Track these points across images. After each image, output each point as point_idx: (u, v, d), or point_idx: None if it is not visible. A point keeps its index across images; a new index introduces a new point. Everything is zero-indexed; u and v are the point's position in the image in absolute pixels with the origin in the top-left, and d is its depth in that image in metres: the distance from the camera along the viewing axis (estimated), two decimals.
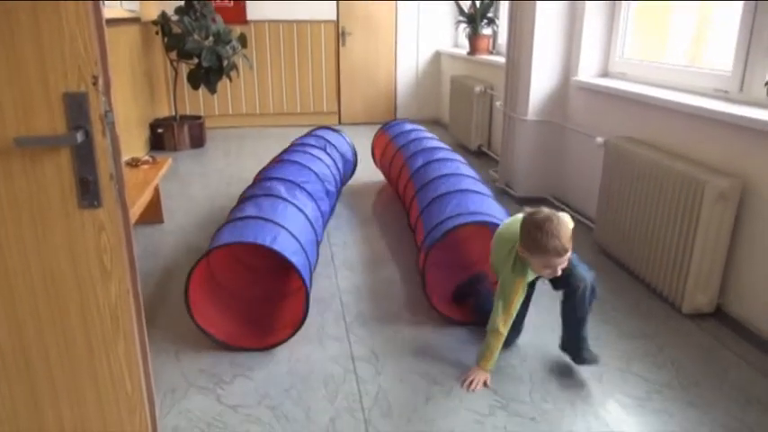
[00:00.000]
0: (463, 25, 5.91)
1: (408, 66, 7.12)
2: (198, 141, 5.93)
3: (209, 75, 5.59)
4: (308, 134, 4.15)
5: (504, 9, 5.48)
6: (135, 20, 5.21)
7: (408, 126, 4.38)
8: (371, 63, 7.04)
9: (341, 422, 1.94)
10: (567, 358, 2.19)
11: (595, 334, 2.36)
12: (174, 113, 5.98)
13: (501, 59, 4.80)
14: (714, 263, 2.48)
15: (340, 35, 6.86)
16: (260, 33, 6.66)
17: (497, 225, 2.52)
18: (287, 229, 2.48)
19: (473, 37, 5.72)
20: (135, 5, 5.17)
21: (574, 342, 2.15)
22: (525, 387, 2.12)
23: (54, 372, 1.36)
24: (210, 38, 5.48)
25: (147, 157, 3.66)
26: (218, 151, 5.81)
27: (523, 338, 2.37)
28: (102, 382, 1.39)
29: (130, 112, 5.08)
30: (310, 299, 2.35)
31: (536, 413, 1.99)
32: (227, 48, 5.54)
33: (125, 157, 3.47)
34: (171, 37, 5.49)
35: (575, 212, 3.64)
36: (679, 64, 3.20)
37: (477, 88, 5.30)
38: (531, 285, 2.18)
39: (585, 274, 2.03)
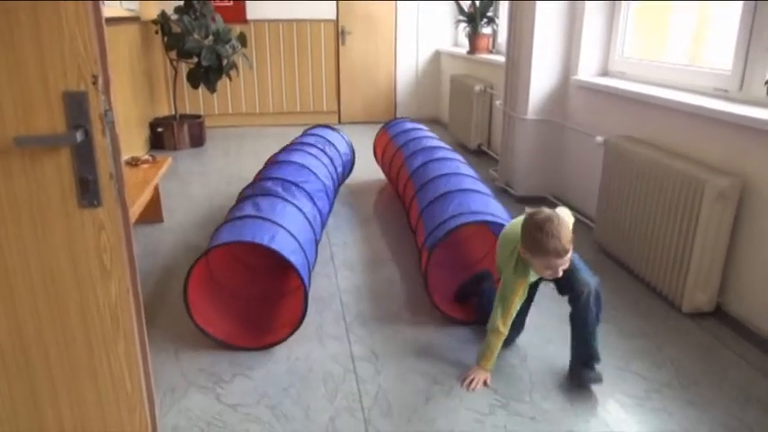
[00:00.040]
0: (463, 24, 5.91)
1: (408, 65, 7.12)
2: (198, 140, 5.93)
3: (208, 74, 5.59)
4: (306, 133, 4.16)
5: (503, 8, 5.47)
6: (135, 19, 5.20)
7: (409, 125, 4.38)
8: (371, 62, 7.04)
9: (340, 421, 1.94)
10: (566, 358, 2.18)
11: None
12: (173, 113, 5.98)
13: (501, 58, 4.80)
14: (714, 262, 2.48)
15: (340, 34, 6.86)
16: (260, 33, 6.66)
17: (499, 224, 2.52)
18: (285, 228, 2.48)
19: (473, 36, 5.72)
20: (134, 5, 5.17)
21: (581, 355, 2.11)
22: (525, 386, 2.12)
23: (54, 371, 1.36)
24: (210, 37, 5.48)
25: (146, 157, 3.66)
26: (217, 150, 5.81)
27: (523, 338, 2.37)
28: (102, 381, 1.39)
29: (130, 111, 5.08)
30: (310, 298, 2.35)
31: (536, 412, 1.99)
32: (227, 47, 5.54)
33: (125, 157, 3.47)
34: (171, 36, 5.49)
35: (574, 212, 3.64)
36: (679, 63, 3.19)
37: (477, 87, 5.29)
38: (534, 286, 2.18)
39: (589, 279, 2.01)
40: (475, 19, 5.66)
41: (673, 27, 3.49)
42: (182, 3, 5.52)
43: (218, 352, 2.31)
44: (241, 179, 4.38)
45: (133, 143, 5.08)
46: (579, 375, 2.07)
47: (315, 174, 3.30)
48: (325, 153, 3.80)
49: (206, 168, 5.15)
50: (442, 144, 3.85)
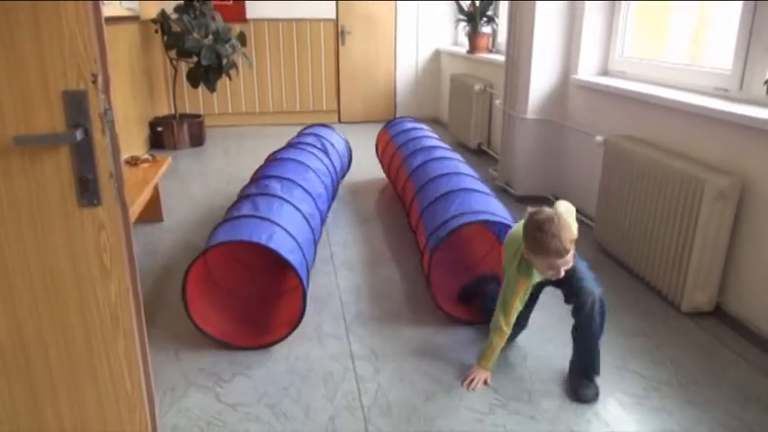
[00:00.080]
0: (463, 24, 5.91)
1: (408, 64, 7.12)
2: (197, 140, 5.93)
3: (208, 73, 5.58)
4: (303, 132, 4.15)
5: (503, 7, 5.47)
6: (134, 18, 5.20)
7: (409, 124, 4.38)
8: (371, 62, 7.04)
9: (340, 420, 1.94)
10: (566, 358, 2.18)
11: None
12: (173, 112, 5.98)
13: (500, 58, 4.79)
14: (713, 261, 2.48)
15: (339, 34, 6.86)
16: (259, 32, 6.65)
17: (501, 224, 2.52)
18: (283, 227, 2.47)
19: (473, 35, 5.71)
20: (134, 4, 5.16)
21: (581, 365, 2.10)
22: (525, 386, 2.12)
23: (54, 371, 1.36)
24: (210, 36, 5.47)
25: (146, 156, 3.66)
26: (217, 150, 5.81)
27: (523, 337, 2.37)
28: (102, 380, 1.39)
29: (130, 110, 5.08)
30: (309, 298, 2.35)
31: (535, 412, 1.99)
32: (227, 46, 5.53)
33: (124, 156, 3.47)
34: (170, 35, 5.49)
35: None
36: (679, 62, 3.19)
37: (477, 87, 5.29)
38: (539, 288, 2.18)
39: (593, 289, 2.00)
40: (475, 18, 5.66)
41: (672, 27, 3.49)
42: (181, 2, 5.51)
43: (217, 351, 2.31)
44: (240, 178, 4.38)
45: (133, 142, 5.08)
46: (576, 391, 2.06)
47: (314, 172, 3.30)
48: (324, 151, 3.80)
49: (206, 168, 5.15)
50: (441, 144, 3.85)
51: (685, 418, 1.95)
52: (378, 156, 4.62)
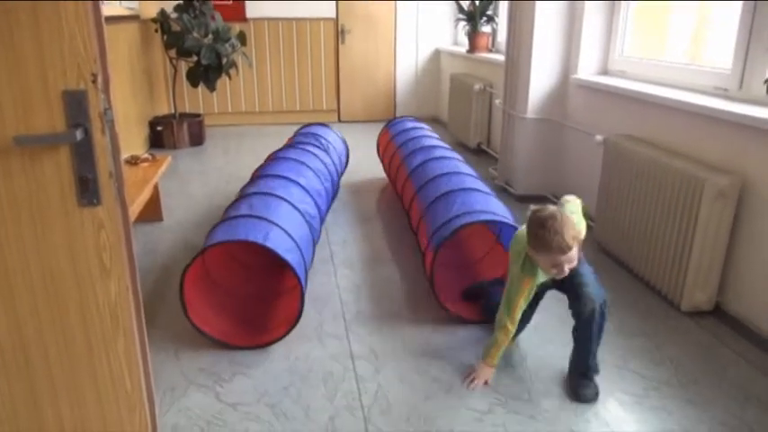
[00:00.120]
0: (462, 23, 5.91)
1: (408, 64, 7.12)
2: (197, 139, 5.93)
3: (208, 73, 5.58)
4: (300, 132, 4.15)
5: (503, 7, 5.47)
6: (134, 17, 5.20)
7: (410, 124, 4.38)
8: (371, 61, 7.04)
9: (340, 420, 1.94)
10: (566, 358, 2.18)
11: None
12: (173, 111, 5.98)
13: (500, 57, 4.79)
14: (713, 260, 2.49)
15: (339, 33, 6.85)
16: (259, 31, 6.65)
17: (503, 224, 2.52)
18: (280, 226, 2.47)
19: (472, 35, 5.71)
20: (134, 3, 5.16)
21: (580, 367, 2.10)
22: (525, 385, 2.12)
23: (54, 370, 1.36)
24: (210, 36, 5.47)
25: (146, 155, 3.66)
26: (217, 149, 5.81)
27: (523, 337, 2.37)
28: (102, 380, 1.39)
29: (130, 109, 5.07)
30: (307, 297, 2.35)
31: (535, 411, 1.99)
32: (227, 45, 5.53)
33: (124, 155, 3.47)
34: (170, 35, 5.49)
35: None
36: (679, 62, 3.19)
37: (477, 86, 5.29)
38: (543, 290, 2.18)
39: (596, 295, 2.00)
40: (474, 17, 5.65)
41: (672, 27, 3.49)
42: (181, 1, 5.51)
43: (217, 351, 2.31)
44: (240, 178, 4.37)
45: (133, 142, 5.08)
46: (576, 391, 2.06)
47: (313, 171, 3.30)
48: (324, 150, 3.80)
49: (205, 167, 5.15)
50: (441, 143, 3.85)
51: (685, 417, 1.95)
52: (379, 155, 4.62)
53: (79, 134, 1.17)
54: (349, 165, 4.48)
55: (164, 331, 2.45)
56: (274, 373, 2.19)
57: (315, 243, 2.85)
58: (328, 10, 6.74)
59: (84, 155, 1.20)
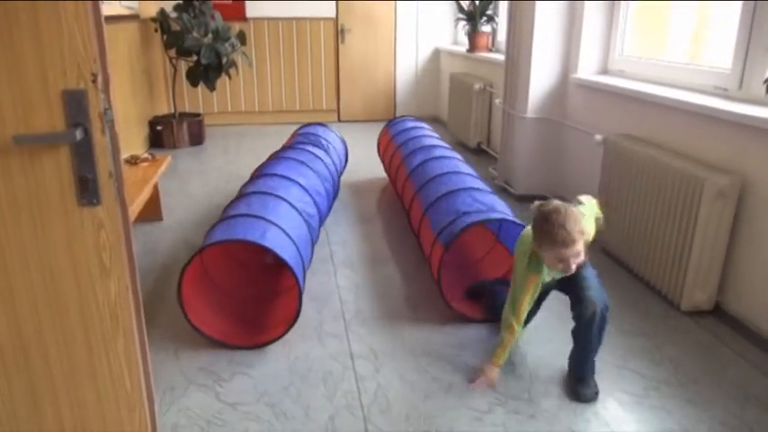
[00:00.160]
0: (462, 22, 5.91)
1: (408, 63, 7.11)
2: (197, 139, 5.93)
3: (208, 72, 5.58)
4: (300, 132, 4.15)
5: (503, 6, 5.47)
6: (134, 17, 5.19)
7: (410, 123, 4.38)
8: (371, 61, 7.04)
9: (340, 420, 1.94)
10: (565, 357, 2.18)
11: None
12: (173, 111, 5.98)
13: (500, 57, 4.79)
14: (713, 260, 2.49)
15: (339, 33, 6.85)
16: (259, 31, 6.65)
17: (503, 224, 2.51)
18: (278, 225, 2.47)
19: (472, 34, 5.71)
20: (134, 3, 5.15)
21: (579, 368, 2.11)
22: (524, 385, 2.13)
23: (53, 370, 1.36)
24: (209, 35, 5.47)
25: (146, 155, 3.66)
26: (217, 149, 5.81)
27: (523, 337, 2.37)
28: (102, 380, 1.39)
29: (129, 109, 5.07)
30: (307, 296, 2.35)
31: (535, 411, 1.99)
32: (227, 45, 5.53)
33: (124, 155, 3.47)
34: (170, 34, 5.49)
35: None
36: (678, 61, 3.19)
37: (477, 86, 5.29)
38: (547, 291, 2.18)
39: (598, 299, 2.00)
40: (474, 17, 5.65)
41: (672, 26, 3.49)
42: (181, 1, 5.51)
43: (217, 350, 2.31)
44: (240, 177, 4.37)
45: (132, 141, 5.08)
46: (575, 390, 2.06)
47: (312, 170, 3.29)
48: (324, 150, 3.80)
49: (205, 167, 5.15)
50: (441, 143, 3.85)
51: (685, 417, 1.95)
52: (379, 155, 4.63)
53: (79, 134, 1.17)
54: (349, 165, 4.48)
55: (163, 331, 2.45)
56: (274, 372, 2.19)
57: (314, 242, 2.85)
58: (328, 10, 6.74)
59: (83, 154, 1.20)
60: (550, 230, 1.84)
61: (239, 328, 2.45)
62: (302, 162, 3.32)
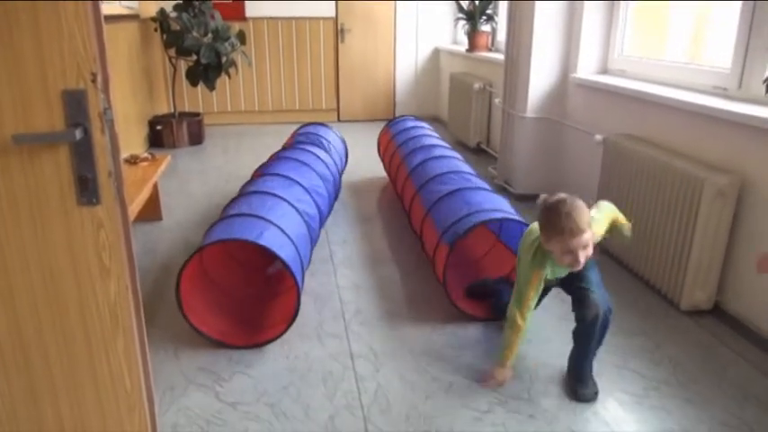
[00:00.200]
0: (462, 22, 5.91)
1: (407, 63, 7.11)
2: (197, 138, 5.93)
3: (207, 72, 5.58)
4: (300, 132, 4.15)
5: (503, 6, 5.47)
6: (134, 17, 5.19)
7: (410, 123, 4.38)
8: (370, 60, 7.04)
9: (340, 420, 1.94)
10: (565, 357, 2.18)
11: None
12: (172, 110, 5.98)
13: (500, 56, 4.79)
14: (712, 260, 2.49)
15: (339, 32, 6.85)
16: (259, 30, 6.65)
17: (504, 223, 2.51)
18: (276, 224, 2.47)
19: (472, 34, 5.71)
20: (134, 3, 5.15)
21: (578, 369, 2.11)
22: (524, 384, 2.13)
23: (53, 370, 1.36)
24: (209, 35, 5.47)
25: (145, 155, 3.66)
26: (216, 148, 5.81)
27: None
28: (102, 379, 1.39)
29: (129, 109, 5.07)
30: (307, 296, 2.35)
31: (535, 410, 1.99)
32: (226, 45, 5.53)
33: (124, 155, 3.47)
34: (170, 34, 5.48)
35: None
36: (678, 61, 3.19)
37: (476, 85, 5.29)
38: (549, 286, 2.17)
39: (601, 302, 1.99)
40: (474, 17, 5.65)
41: (672, 26, 3.49)
42: (180, 0, 5.51)
43: (217, 350, 2.31)
44: (240, 177, 4.38)
45: (132, 141, 5.08)
46: (575, 390, 2.06)
47: (313, 170, 3.29)
48: (325, 151, 3.80)
49: (205, 166, 5.14)
50: (440, 142, 3.85)
51: (685, 416, 1.95)
52: (379, 154, 4.63)
53: (78, 133, 1.17)
54: (349, 164, 4.48)
55: (163, 331, 2.45)
56: (274, 372, 2.19)
57: (313, 242, 2.85)
58: (328, 9, 6.73)
59: (83, 154, 1.20)
60: (557, 221, 1.83)
61: (239, 328, 2.45)
62: (304, 162, 3.32)
